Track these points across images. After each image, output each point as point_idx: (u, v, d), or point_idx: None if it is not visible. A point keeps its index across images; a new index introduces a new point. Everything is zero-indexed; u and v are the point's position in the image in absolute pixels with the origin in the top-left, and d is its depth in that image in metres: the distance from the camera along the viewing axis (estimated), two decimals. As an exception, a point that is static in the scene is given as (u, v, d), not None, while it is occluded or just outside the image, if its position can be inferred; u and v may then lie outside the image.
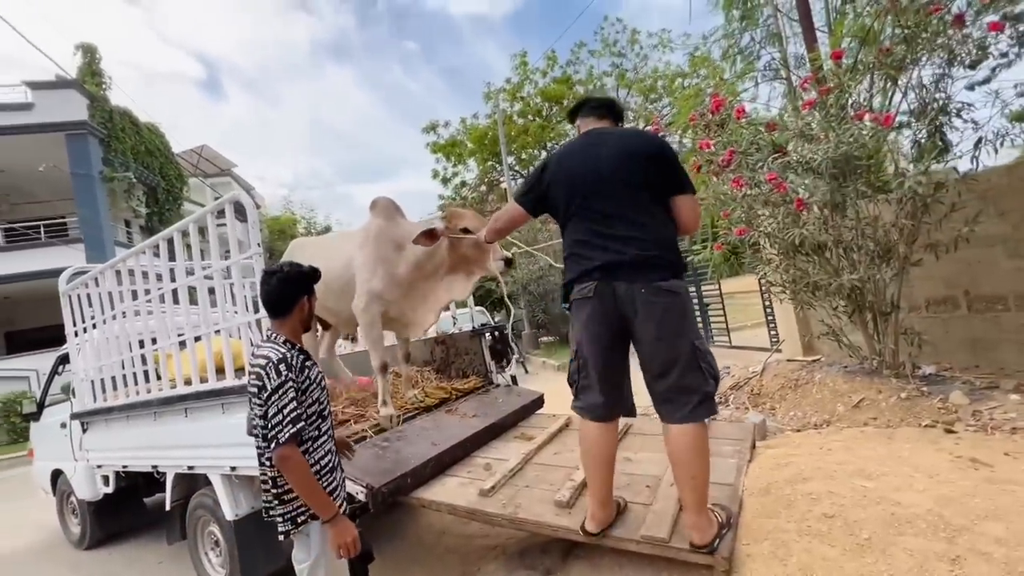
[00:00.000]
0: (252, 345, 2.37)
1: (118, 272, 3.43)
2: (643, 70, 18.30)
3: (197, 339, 2.94)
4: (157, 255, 3.13)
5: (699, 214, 1.90)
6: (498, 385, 3.86)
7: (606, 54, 18.29)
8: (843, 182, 3.15)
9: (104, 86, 14.18)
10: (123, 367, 3.45)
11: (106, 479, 3.90)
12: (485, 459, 2.79)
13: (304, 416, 1.70)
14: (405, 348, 3.54)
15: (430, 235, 2.81)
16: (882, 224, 3.23)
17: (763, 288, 6.44)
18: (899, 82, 3.37)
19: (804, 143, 3.28)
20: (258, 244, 2.49)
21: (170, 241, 3.02)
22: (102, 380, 3.67)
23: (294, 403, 1.65)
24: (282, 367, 1.66)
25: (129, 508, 4.32)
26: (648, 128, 17.44)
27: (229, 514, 2.71)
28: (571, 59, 18.65)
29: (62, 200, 14.30)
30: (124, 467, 3.67)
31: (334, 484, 1.80)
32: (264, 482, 1.75)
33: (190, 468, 2.99)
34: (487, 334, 3.92)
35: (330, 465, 1.81)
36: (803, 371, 3.95)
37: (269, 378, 1.65)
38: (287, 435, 1.61)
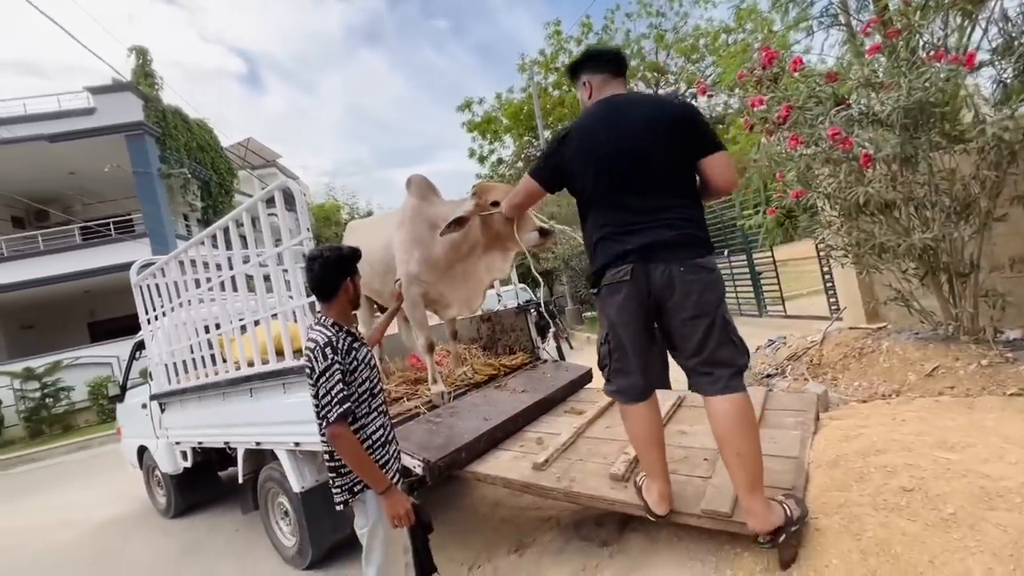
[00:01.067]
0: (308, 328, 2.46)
1: (181, 262, 3.63)
2: (683, 29, 17.36)
3: (256, 323, 3.08)
4: (215, 245, 3.28)
5: (734, 170, 1.78)
6: (546, 361, 3.86)
7: (643, 15, 17.46)
8: (914, 133, 2.88)
9: (156, 86, 14.86)
10: (192, 351, 3.68)
11: (184, 454, 4.22)
12: (537, 433, 2.80)
13: (353, 396, 1.78)
14: (452, 327, 3.58)
15: (458, 223, 2.64)
16: (960, 177, 2.94)
17: (821, 253, 6.09)
18: (977, 18, 3.02)
19: (870, 92, 3.01)
20: (307, 229, 2.54)
21: (225, 231, 3.14)
22: (174, 364, 3.93)
23: (341, 384, 1.72)
24: (328, 350, 1.74)
25: (206, 481, 4.68)
26: (692, 90, 16.52)
27: (296, 486, 2.87)
28: (606, 24, 17.93)
29: (127, 198, 15.27)
30: (199, 443, 3.95)
31: (387, 457, 1.87)
32: (325, 457, 1.85)
33: (258, 444, 3.17)
34: (532, 310, 3.91)
35: (382, 439, 1.88)
36: (868, 339, 3.72)
37: (317, 361, 1.73)
38: (335, 414, 1.69)
